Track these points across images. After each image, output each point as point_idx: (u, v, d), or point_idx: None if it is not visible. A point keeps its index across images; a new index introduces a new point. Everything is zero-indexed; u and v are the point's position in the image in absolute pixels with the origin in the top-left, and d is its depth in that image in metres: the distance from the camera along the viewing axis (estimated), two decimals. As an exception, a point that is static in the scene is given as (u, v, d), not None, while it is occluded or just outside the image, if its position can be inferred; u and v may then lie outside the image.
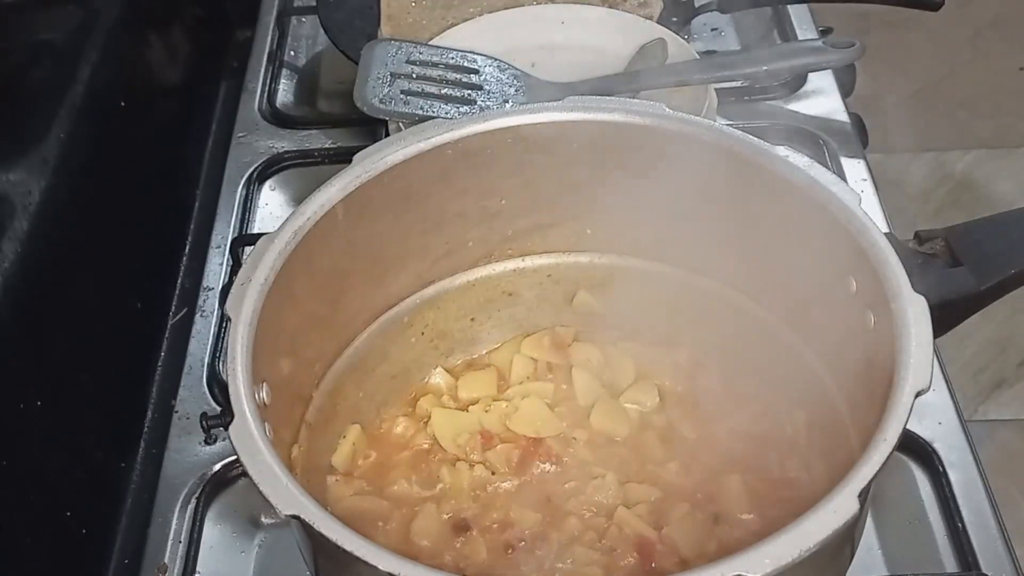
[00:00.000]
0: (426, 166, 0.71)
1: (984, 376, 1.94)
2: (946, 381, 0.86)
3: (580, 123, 0.72)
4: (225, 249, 1.02)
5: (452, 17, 1.07)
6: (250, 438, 0.56)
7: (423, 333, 0.79)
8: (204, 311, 0.97)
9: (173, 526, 0.81)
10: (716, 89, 0.95)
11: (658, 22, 1.05)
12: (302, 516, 0.53)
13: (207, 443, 0.86)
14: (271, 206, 1.08)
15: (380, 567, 0.50)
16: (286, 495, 0.54)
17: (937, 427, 0.83)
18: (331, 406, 0.74)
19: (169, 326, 0.98)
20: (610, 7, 1.06)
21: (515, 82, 0.84)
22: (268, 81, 1.21)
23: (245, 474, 0.55)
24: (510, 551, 0.69)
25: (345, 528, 0.52)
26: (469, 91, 0.81)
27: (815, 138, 1.07)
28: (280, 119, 1.16)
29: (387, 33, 1.07)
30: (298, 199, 0.83)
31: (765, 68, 0.91)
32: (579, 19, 1.03)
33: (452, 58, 0.84)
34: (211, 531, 0.81)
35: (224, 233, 1.04)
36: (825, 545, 0.50)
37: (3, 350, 0.74)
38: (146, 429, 0.90)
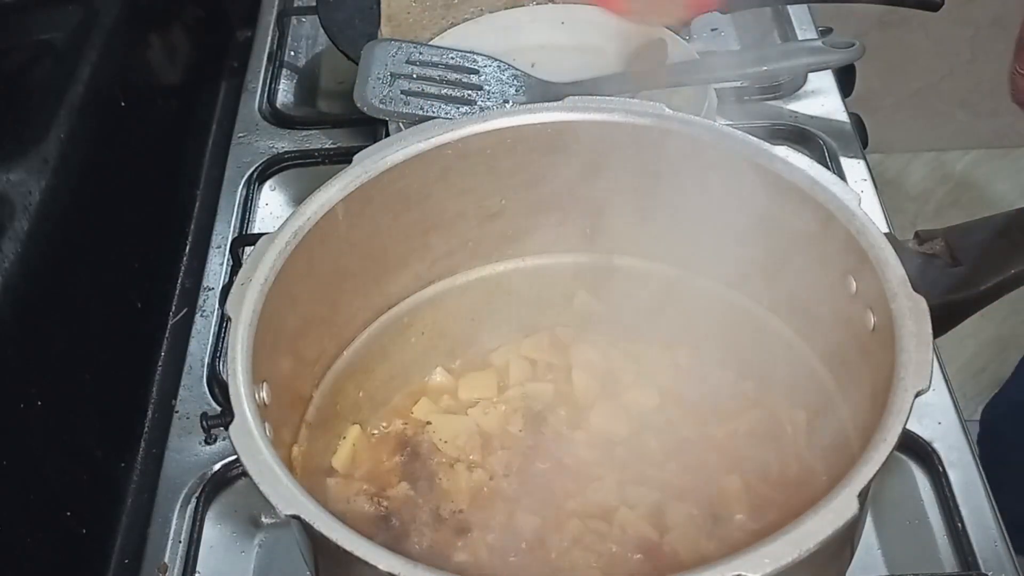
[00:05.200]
0: (426, 166, 0.71)
1: (984, 376, 1.94)
2: (946, 381, 0.86)
3: (580, 123, 0.72)
4: (225, 249, 1.01)
5: (452, 17, 1.07)
6: (250, 438, 0.56)
7: (423, 333, 0.79)
8: (204, 311, 0.97)
9: (173, 526, 0.81)
10: (716, 89, 0.95)
11: (658, 22, 1.05)
12: (302, 516, 0.53)
13: (207, 443, 0.86)
14: (271, 206, 1.08)
15: (380, 567, 0.50)
16: (286, 495, 0.54)
17: (937, 427, 0.83)
18: (331, 406, 0.74)
19: (169, 326, 0.98)
20: (610, 7, 1.06)
21: (515, 82, 0.84)
22: (268, 81, 1.20)
23: (245, 474, 0.55)
24: (510, 553, 0.69)
25: (345, 528, 0.52)
26: (469, 91, 0.82)
27: (815, 138, 1.07)
28: (280, 119, 1.16)
29: (387, 33, 1.07)
30: (298, 199, 0.83)
31: (765, 68, 0.91)
32: (579, 19, 1.03)
33: (452, 58, 0.84)
34: (211, 531, 0.81)
35: (224, 233, 1.04)
36: (825, 545, 0.50)
37: (3, 350, 0.74)
38: (146, 429, 0.90)
